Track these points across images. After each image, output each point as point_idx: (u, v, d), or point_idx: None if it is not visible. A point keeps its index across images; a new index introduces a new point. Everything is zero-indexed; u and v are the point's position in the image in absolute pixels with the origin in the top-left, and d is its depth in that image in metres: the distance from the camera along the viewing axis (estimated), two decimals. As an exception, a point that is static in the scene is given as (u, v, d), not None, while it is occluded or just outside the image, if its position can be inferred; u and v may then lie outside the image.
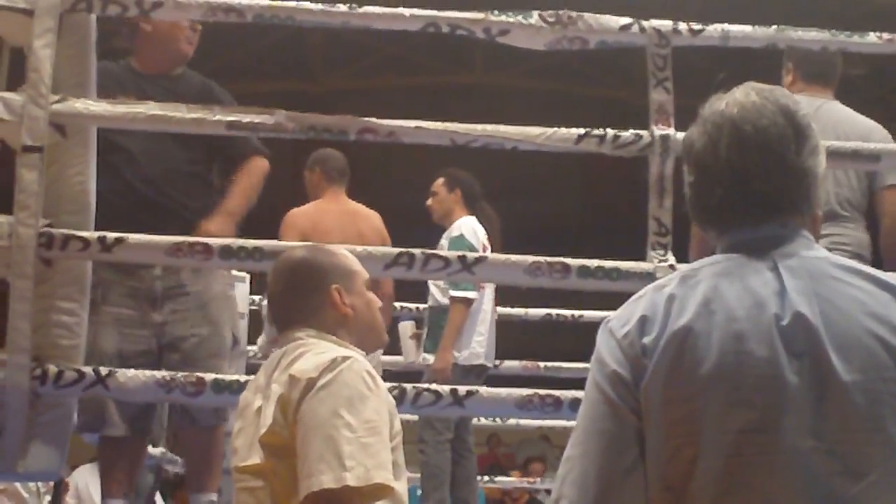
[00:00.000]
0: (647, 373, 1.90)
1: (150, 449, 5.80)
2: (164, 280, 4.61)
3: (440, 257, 3.97)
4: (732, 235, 2.02)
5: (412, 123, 4.04)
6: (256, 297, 7.88)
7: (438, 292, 6.82)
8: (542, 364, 7.62)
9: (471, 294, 6.65)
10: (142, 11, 4.08)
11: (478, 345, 6.78)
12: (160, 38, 4.77)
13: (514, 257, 4.04)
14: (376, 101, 15.81)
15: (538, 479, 10.93)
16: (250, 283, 7.74)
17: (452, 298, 6.68)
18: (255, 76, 16.54)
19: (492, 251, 6.57)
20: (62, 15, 4.01)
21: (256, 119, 3.99)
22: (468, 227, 6.88)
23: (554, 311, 7.71)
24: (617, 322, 2.00)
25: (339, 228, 6.34)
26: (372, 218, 6.67)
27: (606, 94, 16.44)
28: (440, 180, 7.15)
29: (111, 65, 4.72)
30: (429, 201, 7.13)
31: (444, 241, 6.83)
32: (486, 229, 6.98)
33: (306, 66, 16.80)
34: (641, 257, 4.06)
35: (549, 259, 4.01)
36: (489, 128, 4.08)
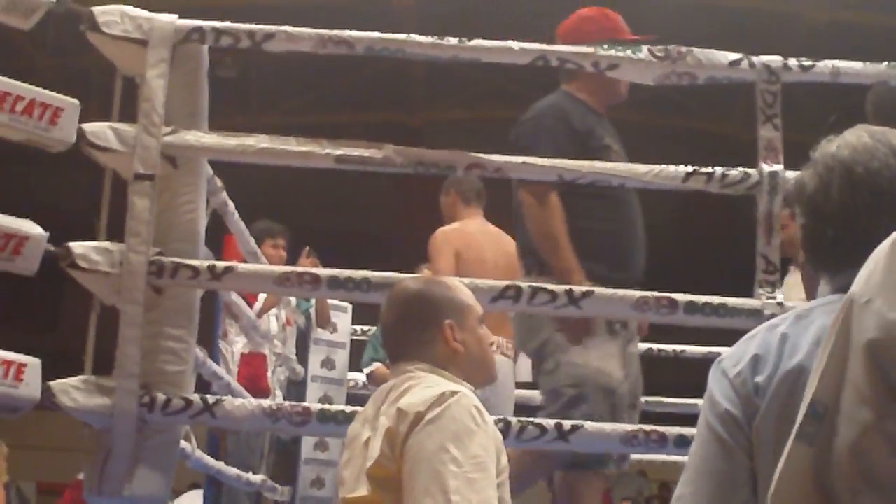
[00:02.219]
0: (760, 412, 1.90)
1: (251, 476, 5.86)
2: None
3: (547, 291, 3.96)
4: (844, 276, 2.00)
5: (519, 159, 4.05)
6: (358, 328, 7.94)
7: None
8: (643, 399, 7.57)
9: None
10: (254, 43, 4.13)
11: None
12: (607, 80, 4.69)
13: (620, 292, 4.02)
14: (476, 132, 15.83)
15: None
16: (352, 312, 7.80)
17: None
18: (356, 107, 16.67)
19: None
20: (175, 45, 4.07)
21: (365, 153, 4.01)
22: None
23: (656, 346, 7.66)
24: (729, 361, 2.00)
25: (489, 247, 6.36)
26: (511, 241, 6.68)
27: (708, 127, 16.35)
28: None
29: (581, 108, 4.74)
30: None
31: None
32: None
33: (407, 98, 16.89)
34: (728, 293, 4.05)
35: (656, 294, 3.99)
36: (597, 164, 4.08)
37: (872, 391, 1.34)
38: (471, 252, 6.24)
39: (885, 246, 1.43)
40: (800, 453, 1.41)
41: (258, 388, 6.88)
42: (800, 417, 1.44)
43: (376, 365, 7.41)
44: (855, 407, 1.36)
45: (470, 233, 6.47)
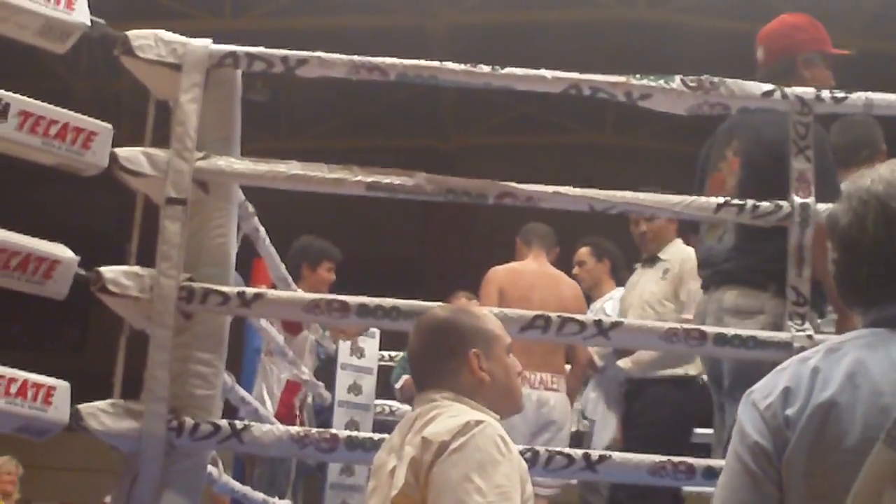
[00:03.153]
0: (790, 445, 1.90)
1: (277, 502, 5.85)
2: None
3: (576, 321, 3.96)
4: (878, 311, 2.01)
5: (550, 189, 4.04)
6: (385, 353, 7.94)
7: (597, 357, 6.83)
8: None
9: None
10: (287, 68, 4.15)
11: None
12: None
13: (649, 323, 4.03)
14: (506, 158, 15.87)
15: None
16: (380, 338, 7.80)
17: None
18: (387, 131, 16.71)
19: None
20: (209, 70, 4.09)
21: (396, 181, 4.02)
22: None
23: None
24: (760, 393, 1.99)
25: (539, 288, 6.47)
26: (574, 286, 6.79)
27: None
28: (586, 249, 7.13)
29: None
30: (575, 270, 7.11)
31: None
32: None
33: (437, 123, 16.93)
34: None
35: (685, 326, 3.99)
36: (628, 195, 4.08)
37: None
38: (516, 290, 6.43)
39: None
40: (886, 457, 1.43)
41: (293, 414, 6.90)
42: (889, 424, 1.45)
43: (405, 378, 7.44)
44: None
45: (519, 272, 6.61)
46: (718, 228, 4.61)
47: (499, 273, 6.55)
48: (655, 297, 6.25)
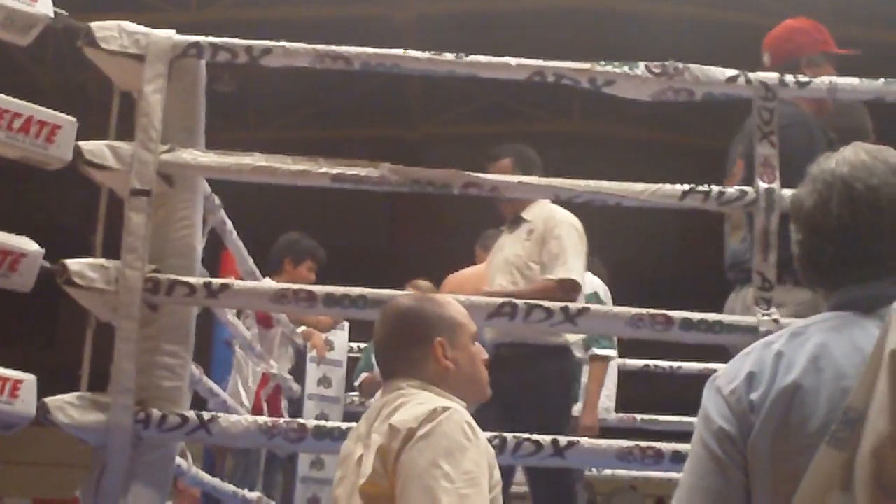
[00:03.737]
0: (755, 429, 1.90)
1: (247, 493, 5.85)
2: None
3: (543, 308, 3.96)
4: (842, 294, 2.01)
5: (515, 178, 4.06)
6: (354, 345, 7.94)
7: (576, 348, 6.85)
8: (638, 416, 7.58)
9: (612, 353, 6.67)
10: (251, 58, 4.14)
11: (606, 399, 6.77)
12: None
13: (616, 309, 4.03)
14: (474, 148, 15.79)
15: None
16: (349, 330, 7.79)
17: (596, 356, 6.72)
18: (354, 121, 16.67)
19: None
20: (173, 61, 4.08)
21: (361, 172, 4.02)
22: (601, 285, 6.92)
23: (652, 363, 7.68)
24: (724, 379, 2.00)
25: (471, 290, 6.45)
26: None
27: (704, 142, 16.35)
28: None
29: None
30: None
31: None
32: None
33: (405, 113, 16.90)
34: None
35: (651, 311, 4.00)
36: (592, 183, 4.09)
37: (891, 401, 1.36)
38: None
39: None
40: (830, 458, 1.43)
41: (275, 409, 6.90)
42: (834, 424, 1.45)
43: (365, 375, 7.45)
44: (877, 415, 1.37)
45: (468, 278, 6.60)
46: (740, 231, 4.63)
47: (450, 282, 6.53)
48: (521, 259, 5.80)
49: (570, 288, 5.47)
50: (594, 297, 6.69)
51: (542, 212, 5.81)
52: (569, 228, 5.66)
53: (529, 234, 5.79)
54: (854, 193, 2.00)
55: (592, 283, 6.83)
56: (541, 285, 5.50)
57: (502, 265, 5.86)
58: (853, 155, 2.05)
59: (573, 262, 5.57)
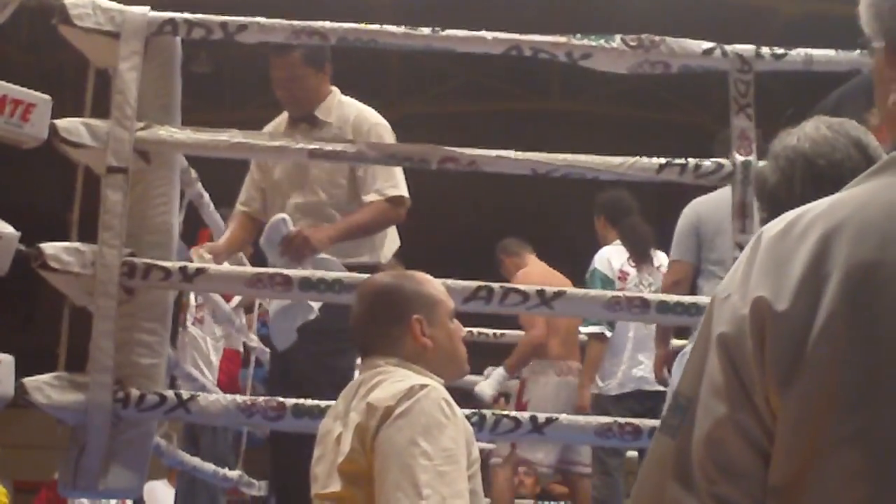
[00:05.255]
0: None
1: (227, 472, 5.84)
2: None
3: (519, 291, 3.97)
4: None
5: (493, 153, 4.04)
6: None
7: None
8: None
9: (605, 330, 6.65)
10: (226, 34, 4.12)
11: (621, 374, 6.71)
12: None
13: (592, 292, 4.04)
14: (452, 126, 15.82)
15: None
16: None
17: (588, 335, 6.74)
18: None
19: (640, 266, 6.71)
20: (148, 38, 4.05)
21: (338, 147, 4.00)
22: (601, 259, 6.84)
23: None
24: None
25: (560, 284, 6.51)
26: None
27: (683, 119, 16.37)
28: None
29: None
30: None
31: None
32: (635, 244, 6.86)
33: (382, 91, 16.86)
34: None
35: (627, 294, 4.01)
36: (570, 157, 4.08)
37: (725, 383, 1.37)
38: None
39: (750, 242, 1.45)
40: (663, 445, 1.43)
41: (235, 386, 6.84)
42: (664, 411, 1.45)
43: None
44: (710, 399, 1.38)
45: (547, 274, 6.91)
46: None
47: (533, 278, 6.53)
48: (325, 172, 4.85)
49: (400, 204, 4.77)
50: (592, 275, 6.69)
51: (347, 111, 4.93)
52: (386, 132, 4.79)
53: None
54: (816, 170, 2.00)
55: (595, 259, 6.86)
56: (372, 208, 4.73)
57: (298, 179, 4.89)
58: (814, 130, 2.04)
59: (399, 174, 4.76)
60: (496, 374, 7.26)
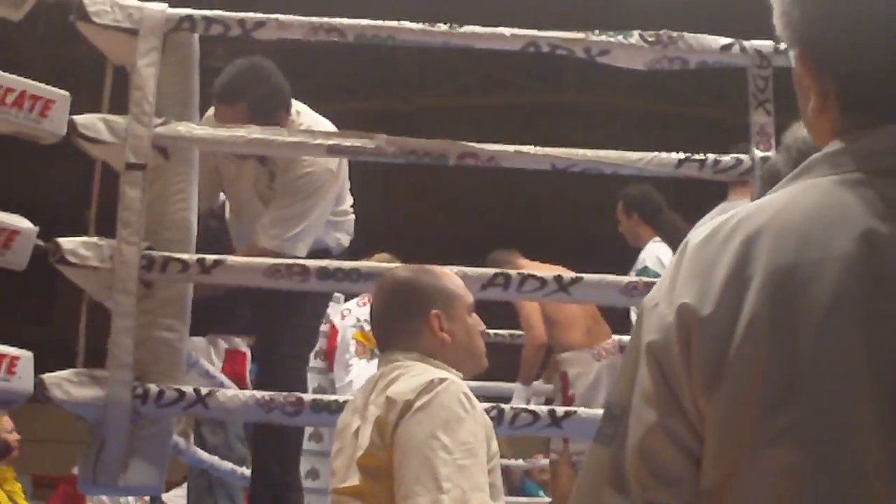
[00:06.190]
0: None
1: (245, 470, 5.84)
2: None
3: (536, 278, 3.96)
4: None
5: (511, 148, 4.03)
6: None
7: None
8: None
9: None
10: (244, 31, 4.12)
11: None
12: None
13: (609, 277, 4.02)
14: (468, 120, 15.82)
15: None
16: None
17: None
18: (347, 94, 16.62)
19: None
20: (166, 34, 4.06)
21: (357, 143, 4.00)
22: (652, 257, 6.75)
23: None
24: None
25: None
26: None
27: (700, 112, 16.33)
28: (619, 206, 7.02)
29: None
30: (620, 228, 7.06)
31: (632, 272, 6.69)
32: (678, 242, 6.79)
33: (398, 85, 16.86)
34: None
35: (644, 280, 3.99)
36: (589, 153, 4.07)
37: (655, 391, 1.38)
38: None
39: (678, 249, 1.46)
40: (598, 454, 1.44)
41: (244, 385, 6.83)
42: (600, 421, 1.46)
43: None
44: (641, 407, 1.39)
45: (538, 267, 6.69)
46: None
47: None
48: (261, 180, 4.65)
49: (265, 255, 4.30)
50: (643, 273, 6.57)
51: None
52: (319, 179, 4.47)
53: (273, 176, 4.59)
54: None
55: (646, 257, 6.77)
56: (246, 250, 4.46)
57: (243, 198, 4.71)
58: None
59: (299, 228, 4.44)
60: (516, 390, 7.23)
